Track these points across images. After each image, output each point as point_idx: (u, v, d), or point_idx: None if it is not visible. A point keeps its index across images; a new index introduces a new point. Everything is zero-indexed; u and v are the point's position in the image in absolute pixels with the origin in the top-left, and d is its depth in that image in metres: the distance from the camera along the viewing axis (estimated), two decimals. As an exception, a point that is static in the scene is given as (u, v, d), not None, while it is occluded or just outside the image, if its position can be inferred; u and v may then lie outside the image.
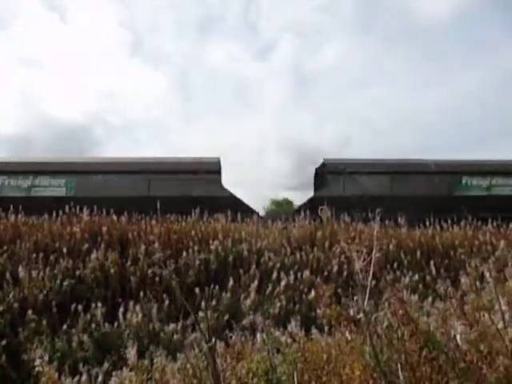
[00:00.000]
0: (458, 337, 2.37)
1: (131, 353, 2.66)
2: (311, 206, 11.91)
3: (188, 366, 2.62)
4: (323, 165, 14.67)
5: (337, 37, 40.07)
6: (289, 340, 2.66)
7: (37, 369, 2.75)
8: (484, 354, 2.20)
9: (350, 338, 2.54)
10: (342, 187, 13.80)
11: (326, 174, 14.27)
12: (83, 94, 38.99)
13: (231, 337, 2.92)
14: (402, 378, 2.07)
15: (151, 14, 38.61)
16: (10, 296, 6.03)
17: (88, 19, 37.76)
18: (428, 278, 7.08)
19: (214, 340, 2.22)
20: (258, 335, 2.74)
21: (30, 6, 38.34)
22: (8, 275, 6.40)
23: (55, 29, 40.11)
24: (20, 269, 6.43)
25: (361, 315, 2.27)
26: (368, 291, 2.29)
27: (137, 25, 40.03)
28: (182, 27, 40.61)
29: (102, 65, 39.58)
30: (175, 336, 5.36)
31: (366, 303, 2.25)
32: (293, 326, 3.07)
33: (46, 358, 2.97)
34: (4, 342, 5.20)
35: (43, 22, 39.13)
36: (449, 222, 9.53)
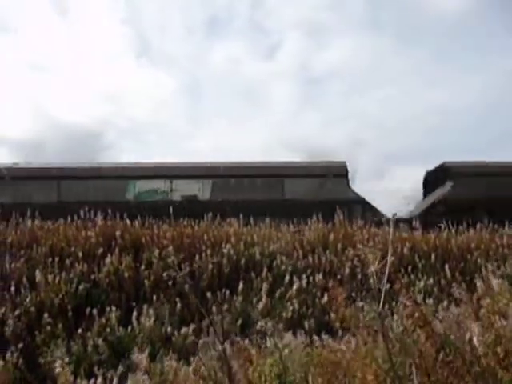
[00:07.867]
0: (474, 339, 2.32)
1: (142, 356, 2.68)
2: None
3: (202, 368, 2.63)
4: None
5: (345, 35, 39.95)
6: (301, 345, 2.64)
7: (57, 370, 2.79)
8: (500, 357, 2.16)
9: (363, 341, 2.52)
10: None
11: None
12: (90, 97, 39.33)
13: (239, 342, 2.91)
14: (416, 382, 2.04)
15: (157, 14, 38.84)
16: (27, 300, 6.13)
17: (93, 21, 38.01)
18: (443, 281, 6.96)
19: (226, 344, 2.22)
20: (268, 340, 2.74)
21: (36, 8, 38.90)
22: (25, 279, 6.52)
23: (61, 32, 40.49)
24: (36, 273, 6.54)
25: (375, 319, 2.25)
26: (383, 295, 2.25)
27: (143, 26, 40.35)
28: (188, 28, 40.81)
29: (108, 67, 39.96)
30: (188, 339, 5.38)
31: (380, 307, 2.22)
32: (305, 330, 3.05)
33: (63, 360, 3.02)
34: (21, 345, 5.28)
35: (49, 26, 39.56)
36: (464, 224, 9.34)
